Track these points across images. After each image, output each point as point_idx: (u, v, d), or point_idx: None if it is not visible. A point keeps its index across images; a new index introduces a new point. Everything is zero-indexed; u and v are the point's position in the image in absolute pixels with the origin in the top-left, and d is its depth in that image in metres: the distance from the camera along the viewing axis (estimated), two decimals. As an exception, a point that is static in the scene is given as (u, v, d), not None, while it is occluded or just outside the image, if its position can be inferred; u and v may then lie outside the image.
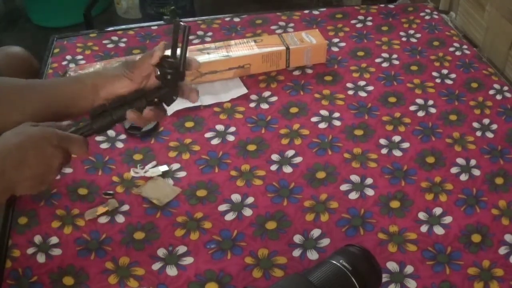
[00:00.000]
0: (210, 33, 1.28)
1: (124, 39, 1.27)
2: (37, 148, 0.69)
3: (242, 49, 1.14)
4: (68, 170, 0.92)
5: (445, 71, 1.17)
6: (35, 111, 0.77)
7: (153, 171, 0.92)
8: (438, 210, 0.87)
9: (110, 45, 1.25)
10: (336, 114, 1.05)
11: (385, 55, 1.22)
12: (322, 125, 1.03)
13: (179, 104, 1.05)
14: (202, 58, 1.10)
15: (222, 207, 0.87)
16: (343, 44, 1.25)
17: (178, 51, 0.75)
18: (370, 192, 0.90)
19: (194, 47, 1.15)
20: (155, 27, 1.32)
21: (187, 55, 0.76)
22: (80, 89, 0.79)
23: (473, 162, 0.95)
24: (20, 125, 0.71)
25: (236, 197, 0.89)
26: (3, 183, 0.68)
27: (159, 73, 0.77)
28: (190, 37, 1.19)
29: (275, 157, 0.96)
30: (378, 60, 1.20)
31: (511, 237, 0.82)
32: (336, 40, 1.26)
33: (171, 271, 0.78)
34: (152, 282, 0.77)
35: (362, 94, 1.10)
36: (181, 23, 0.74)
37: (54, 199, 0.88)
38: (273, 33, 1.27)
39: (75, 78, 0.81)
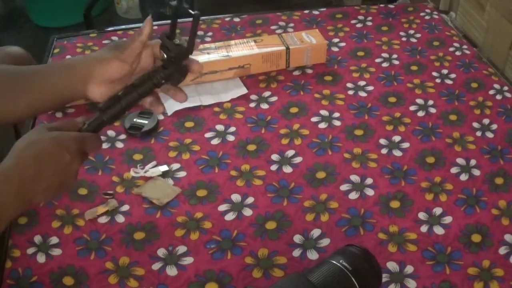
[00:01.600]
0: (210, 33, 1.28)
1: (124, 39, 1.27)
2: (55, 159, 0.68)
3: (242, 49, 1.14)
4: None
5: (445, 71, 1.17)
6: (29, 103, 0.76)
7: (153, 171, 0.92)
8: (438, 210, 0.87)
9: (110, 45, 1.25)
10: (336, 114, 1.05)
11: (385, 55, 1.22)
12: (322, 125, 1.03)
13: (179, 104, 1.05)
14: (202, 58, 1.10)
15: (222, 207, 0.87)
16: (343, 44, 1.25)
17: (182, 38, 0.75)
18: (370, 192, 0.90)
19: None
20: (155, 27, 1.31)
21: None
22: (71, 78, 0.77)
23: (473, 162, 0.95)
24: (35, 130, 0.70)
25: (236, 197, 0.89)
26: (21, 196, 0.66)
27: (165, 56, 0.76)
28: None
29: (275, 157, 0.96)
30: (378, 60, 1.20)
31: (511, 237, 0.82)
32: (336, 40, 1.26)
33: (171, 271, 0.78)
34: (152, 282, 0.77)
35: (362, 94, 1.10)
36: (190, 11, 0.73)
37: (54, 199, 0.88)
38: (273, 33, 1.27)
39: (66, 66, 0.79)
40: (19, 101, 0.76)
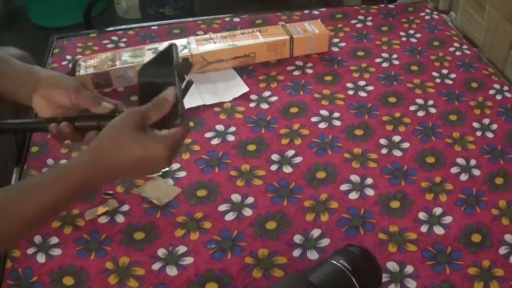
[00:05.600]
0: (210, 33, 1.28)
1: (124, 39, 1.27)
2: (157, 167, 0.72)
3: (247, 38, 1.17)
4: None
5: (445, 71, 1.17)
6: None
7: (153, 171, 0.92)
8: (438, 210, 0.87)
9: (110, 45, 1.25)
10: (336, 114, 1.05)
11: (385, 55, 1.22)
12: (322, 125, 1.03)
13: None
14: (208, 47, 1.14)
15: (222, 207, 0.87)
16: (343, 44, 1.25)
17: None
18: (370, 192, 0.90)
19: (201, 36, 1.19)
20: (155, 27, 1.32)
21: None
22: (26, 79, 0.78)
23: (473, 162, 0.95)
24: (139, 129, 0.68)
25: (236, 197, 0.89)
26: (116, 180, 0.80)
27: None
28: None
29: (275, 157, 0.96)
30: (378, 60, 1.20)
31: (511, 237, 0.82)
32: (336, 40, 1.26)
33: (171, 271, 0.78)
34: (152, 282, 0.77)
35: (362, 94, 1.10)
36: (185, 77, 0.74)
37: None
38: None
39: (28, 67, 0.80)
40: None
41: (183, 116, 0.70)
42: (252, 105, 1.08)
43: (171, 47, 0.75)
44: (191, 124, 1.03)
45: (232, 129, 1.02)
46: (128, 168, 0.67)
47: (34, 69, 0.80)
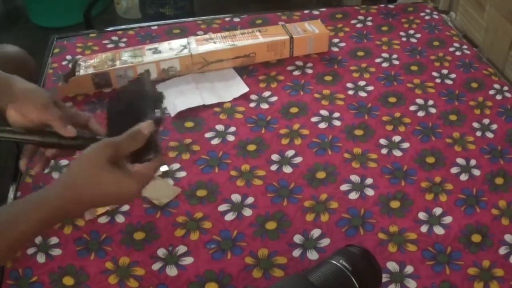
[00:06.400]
0: (210, 33, 1.28)
1: (124, 39, 1.27)
2: (127, 201, 0.79)
3: (247, 38, 1.17)
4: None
5: (445, 71, 1.17)
6: None
7: (153, 171, 0.92)
8: (438, 210, 0.87)
9: (110, 45, 1.25)
10: (336, 114, 1.05)
11: (385, 55, 1.22)
12: (322, 125, 1.03)
13: (182, 105, 1.06)
14: (208, 47, 1.14)
15: (222, 207, 0.87)
16: (343, 44, 1.25)
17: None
18: (370, 192, 0.90)
19: (201, 36, 1.19)
20: (155, 27, 1.32)
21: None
22: (2, 87, 0.79)
23: (473, 162, 0.95)
24: (113, 164, 0.67)
25: (236, 197, 0.89)
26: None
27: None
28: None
29: (275, 157, 0.96)
30: (378, 60, 1.20)
31: (511, 237, 0.82)
32: (336, 40, 1.26)
33: (171, 271, 0.78)
34: (152, 282, 0.77)
35: (362, 94, 1.10)
36: (158, 112, 0.74)
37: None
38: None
39: (7, 77, 0.81)
40: None
41: (157, 151, 0.71)
42: (252, 105, 1.08)
43: (143, 76, 0.76)
44: (191, 124, 1.03)
45: (232, 129, 1.02)
46: (99, 202, 0.69)
47: (12, 80, 0.80)
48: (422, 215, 0.86)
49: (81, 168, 0.67)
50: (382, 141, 0.99)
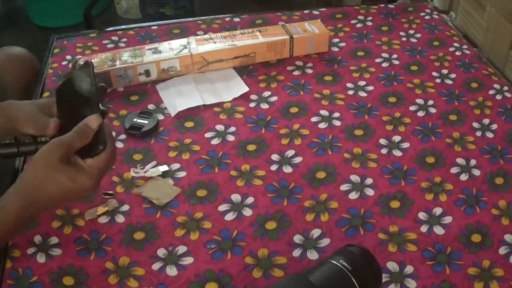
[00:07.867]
0: (210, 33, 1.28)
1: (124, 39, 1.27)
2: (84, 196, 0.78)
3: (247, 38, 1.17)
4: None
5: (445, 71, 1.17)
6: None
7: (153, 171, 0.92)
8: (438, 210, 0.87)
9: (110, 45, 1.25)
10: (336, 114, 1.05)
11: (385, 55, 1.22)
12: (322, 125, 1.03)
13: (182, 105, 1.06)
14: (208, 47, 1.14)
15: (222, 207, 0.87)
16: (343, 44, 1.25)
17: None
18: (370, 192, 0.90)
19: (201, 36, 1.19)
20: (155, 27, 1.32)
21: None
22: None
23: (473, 162, 0.95)
24: (64, 162, 0.70)
25: (236, 197, 0.89)
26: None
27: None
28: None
29: (275, 157, 0.96)
30: (378, 60, 1.20)
31: (511, 237, 0.82)
32: (336, 40, 1.26)
33: (171, 271, 0.78)
34: (152, 282, 0.77)
35: (362, 94, 1.10)
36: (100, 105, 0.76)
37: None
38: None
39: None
40: None
41: (105, 143, 0.73)
42: (252, 105, 1.08)
43: (88, 65, 0.78)
44: (191, 124, 1.03)
45: (232, 129, 1.02)
46: (58, 200, 0.72)
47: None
48: (422, 215, 0.86)
49: (35, 173, 0.70)
50: (382, 141, 0.99)
